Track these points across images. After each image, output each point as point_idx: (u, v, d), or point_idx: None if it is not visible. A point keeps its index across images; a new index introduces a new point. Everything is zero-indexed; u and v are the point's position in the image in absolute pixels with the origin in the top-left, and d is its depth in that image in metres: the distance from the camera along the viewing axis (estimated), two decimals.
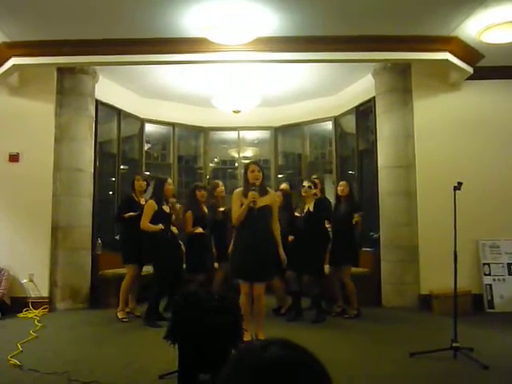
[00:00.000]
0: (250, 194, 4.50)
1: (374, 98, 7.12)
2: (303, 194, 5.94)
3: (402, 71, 6.72)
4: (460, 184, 4.24)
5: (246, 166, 4.83)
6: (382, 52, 6.08)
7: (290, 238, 5.89)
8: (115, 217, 6.39)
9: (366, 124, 7.75)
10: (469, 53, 6.10)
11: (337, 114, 8.42)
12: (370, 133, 7.58)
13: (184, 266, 6.13)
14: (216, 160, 9.65)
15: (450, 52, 5.95)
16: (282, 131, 9.30)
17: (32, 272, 6.51)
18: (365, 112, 7.70)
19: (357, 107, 7.83)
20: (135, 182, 6.18)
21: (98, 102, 7.22)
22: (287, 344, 0.80)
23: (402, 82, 6.72)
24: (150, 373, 3.71)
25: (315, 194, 5.93)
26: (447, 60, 5.99)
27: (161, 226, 5.51)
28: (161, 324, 5.30)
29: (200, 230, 5.95)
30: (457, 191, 4.32)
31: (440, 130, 6.61)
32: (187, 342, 3.29)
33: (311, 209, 5.80)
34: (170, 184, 5.87)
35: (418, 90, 6.69)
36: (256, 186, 4.60)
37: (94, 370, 3.79)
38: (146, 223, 5.49)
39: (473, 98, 6.68)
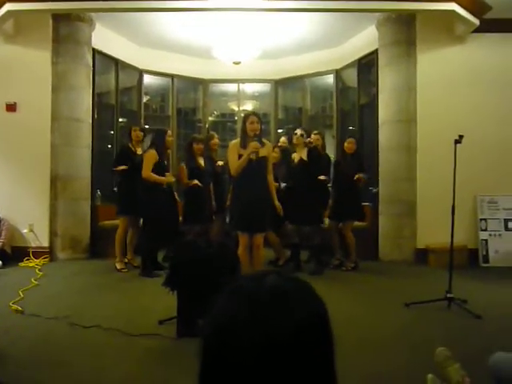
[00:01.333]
0: (253, 144, 4.46)
1: (376, 50, 6.97)
2: (294, 141, 5.88)
3: (407, 23, 6.54)
4: (461, 137, 4.21)
5: (245, 117, 4.75)
6: (387, 1, 5.93)
7: (282, 185, 5.91)
8: (112, 167, 6.33)
9: (367, 77, 7.62)
10: (476, 4, 5.95)
11: (338, 67, 8.27)
12: (371, 86, 7.46)
13: (180, 217, 6.16)
14: (215, 113, 9.54)
15: (457, 3, 5.80)
16: (282, 84, 9.16)
17: (32, 222, 6.56)
18: (367, 65, 7.56)
19: (359, 60, 7.68)
20: (132, 132, 6.12)
21: (95, 51, 7.07)
22: (284, 275, 0.81)
23: (405, 34, 6.56)
24: (149, 318, 3.79)
25: (309, 143, 5.82)
26: (453, 11, 5.84)
27: (167, 177, 5.53)
28: (158, 273, 5.37)
29: (196, 182, 5.93)
30: (457, 145, 4.29)
31: (443, 83, 6.50)
32: (185, 288, 3.35)
33: (304, 157, 5.76)
34: (170, 136, 5.83)
35: (422, 43, 6.54)
36: (255, 138, 4.56)
37: (95, 316, 3.87)
38: (148, 172, 5.45)
39: (478, 51, 6.54)
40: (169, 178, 5.65)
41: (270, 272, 0.80)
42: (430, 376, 2.29)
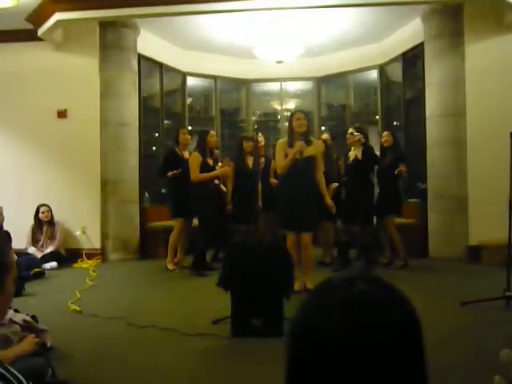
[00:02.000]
0: (298, 143, 4.45)
1: (422, 43, 6.81)
2: (348, 141, 5.87)
3: (453, 14, 6.37)
4: None
5: (292, 114, 4.75)
6: None
7: (334, 185, 5.86)
8: (158, 171, 6.41)
9: (413, 71, 7.47)
10: None
11: (382, 62, 8.14)
12: (417, 81, 7.30)
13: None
14: (258, 113, 9.57)
15: None
16: (325, 81, 9.09)
17: (84, 225, 6.77)
18: (412, 59, 7.40)
19: (404, 54, 7.53)
20: (180, 136, 6.17)
21: (140, 56, 7.22)
22: (372, 279, 0.79)
23: (452, 26, 6.39)
24: (203, 318, 3.84)
25: (359, 140, 5.77)
26: None
27: (215, 172, 5.58)
28: (207, 273, 5.44)
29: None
30: None
31: (493, 74, 6.29)
32: (240, 288, 3.37)
33: (359, 156, 5.70)
34: (213, 136, 5.89)
35: (470, 34, 6.35)
36: (302, 135, 4.54)
37: (150, 315, 3.96)
38: (196, 174, 5.53)
39: None
40: (219, 170, 5.68)
41: (357, 277, 0.78)
42: (497, 378, 2.23)
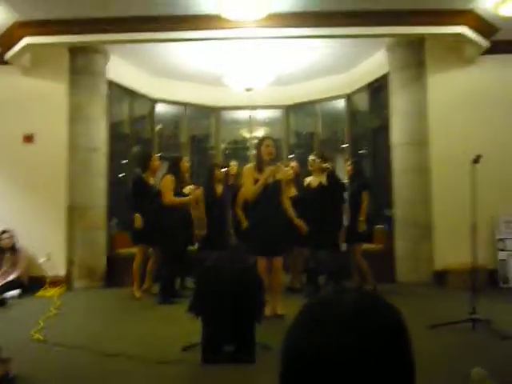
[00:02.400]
0: (271, 168, 4.52)
1: (387, 73, 7.04)
2: (310, 167, 5.98)
3: (417, 46, 6.62)
4: (479, 157, 4.23)
5: (261, 141, 4.82)
6: (396, 26, 6.04)
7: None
8: (126, 196, 6.32)
9: (379, 101, 7.68)
10: (484, 26, 6.03)
11: (349, 92, 8.36)
12: (382, 110, 7.51)
13: (198, 244, 6.18)
14: (227, 141, 9.62)
15: (466, 25, 5.88)
16: (294, 110, 9.26)
17: (49, 251, 6.58)
18: (378, 88, 7.63)
19: (370, 84, 7.76)
20: (153, 162, 6.09)
21: (109, 82, 7.19)
22: (356, 290, 0.81)
23: (416, 57, 6.63)
24: (173, 345, 3.76)
25: (322, 168, 5.87)
26: (462, 34, 5.92)
27: (189, 197, 5.55)
28: (176, 301, 5.37)
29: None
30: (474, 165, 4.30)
31: (455, 105, 6.54)
32: (211, 313, 3.33)
33: (324, 182, 5.78)
34: (186, 161, 5.89)
35: (433, 65, 6.61)
36: (271, 162, 4.61)
37: (118, 344, 3.86)
38: (171, 197, 5.49)
39: (488, 72, 6.59)
40: (192, 195, 5.63)
41: (345, 290, 0.80)
42: None
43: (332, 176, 5.84)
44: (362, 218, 5.88)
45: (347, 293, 0.79)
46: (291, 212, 4.86)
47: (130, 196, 6.10)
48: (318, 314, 0.76)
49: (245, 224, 5.73)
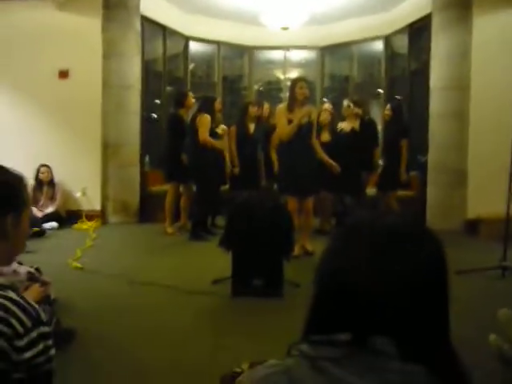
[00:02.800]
0: (307, 109, 4.50)
1: (429, 14, 6.71)
2: (343, 113, 5.89)
3: None
4: None
5: (294, 82, 4.76)
6: None
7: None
8: (167, 135, 6.35)
9: (419, 43, 7.39)
10: None
11: (388, 33, 8.04)
12: (422, 53, 7.23)
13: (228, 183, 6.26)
14: (260, 82, 9.47)
15: None
16: (329, 51, 8.99)
17: (85, 186, 6.76)
18: (419, 30, 7.31)
19: (410, 25, 7.43)
20: (189, 99, 6.02)
21: (143, 18, 7.10)
22: (403, 214, 0.80)
23: None
24: (203, 278, 3.88)
25: (356, 114, 5.79)
26: None
27: (221, 142, 5.61)
28: (208, 238, 5.48)
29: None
30: None
31: (501, 48, 6.21)
32: (241, 248, 3.41)
33: (356, 128, 5.71)
34: (220, 103, 5.88)
35: (479, 5, 6.24)
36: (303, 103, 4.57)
37: (151, 275, 4.02)
38: (206, 136, 5.52)
39: None
40: (224, 144, 5.74)
41: (387, 212, 0.80)
42: (492, 337, 2.29)
43: (365, 122, 5.75)
44: (402, 168, 5.82)
45: (385, 215, 0.78)
46: (321, 153, 4.86)
47: (166, 133, 6.13)
48: (351, 237, 0.77)
49: (276, 167, 5.79)
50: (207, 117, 5.56)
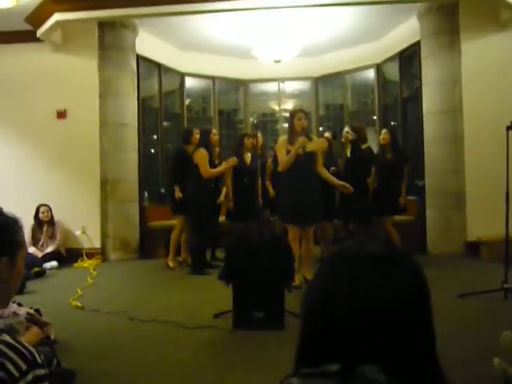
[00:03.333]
0: (300, 139, 4.52)
1: (418, 41, 6.86)
2: (343, 140, 5.99)
3: (449, 12, 6.41)
4: None
5: (293, 114, 4.81)
6: None
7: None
8: (171, 170, 6.47)
9: (409, 70, 7.53)
10: None
11: (379, 61, 8.20)
12: (413, 79, 7.37)
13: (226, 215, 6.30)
14: (255, 115, 9.60)
15: None
16: (322, 81, 9.15)
17: (84, 224, 6.78)
18: (409, 57, 7.47)
19: (400, 52, 7.59)
20: (194, 135, 6.07)
21: (138, 57, 7.25)
22: (385, 243, 0.82)
23: (448, 24, 6.43)
24: (204, 312, 3.87)
25: (351, 140, 5.88)
26: None
27: (224, 165, 5.69)
28: (208, 272, 5.48)
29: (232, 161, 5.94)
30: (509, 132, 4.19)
31: (489, 72, 6.34)
32: (241, 281, 3.40)
33: (348, 155, 5.82)
34: (215, 134, 5.96)
35: (466, 32, 6.40)
36: (303, 133, 4.62)
37: (151, 311, 3.99)
38: (208, 170, 5.60)
39: None
40: (227, 163, 5.76)
41: (369, 240, 0.82)
42: (496, 360, 2.27)
43: (355, 148, 5.82)
44: (403, 193, 5.90)
45: (368, 243, 0.80)
46: (330, 177, 4.87)
47: (171, 168, 6.29)
48: (336, 263, 0.79)
49: (272, 193, 6.13)
50: (201, 151, 5.63)
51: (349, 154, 5.85)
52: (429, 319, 0.76)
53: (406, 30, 7.34)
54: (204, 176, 5.59)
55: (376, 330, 0.71)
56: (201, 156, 5.63)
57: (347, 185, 4.86)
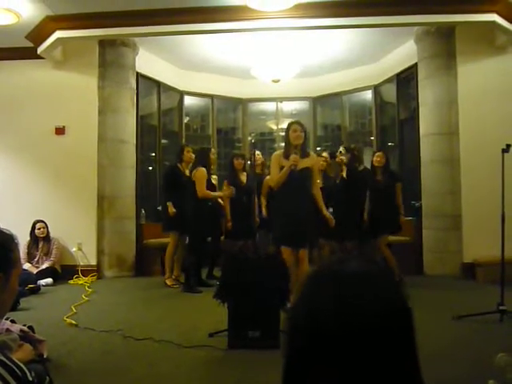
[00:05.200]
0: (292, 156, 4.34)
1: (415, 64, 6.96)
2: (337, 160, 6.00)
3: (446, 35, 6.52)
4: (509, 146, 4.15)
5: (288, 126, 4.60)
6: (426, 15, 5.93)
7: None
8: (163, 187, 6.52)
9: (407, 92, 7.61)
10: None
11: (377, 83, 8.29)
12: (411, 101, 7.44)
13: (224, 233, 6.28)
14: (253, 134, 9.65)
15: (497, 13, 5.75)
16: (320, 101, 9.23)
17: (80, 241, 6.76)
18: (406, 79, 7.55)
19: (398, 74, 7.68)
20: (185, 154, 6.16)
21: (138, 75, 7.32)
22: (369, 259, 0.83)
23: (445, 47, 6.53)
24: (200, 331, 3.84)
25: (341, 161, 5.91)
26: (494, 22, 5.78)
27: (220, 193, 5.67)
28: (201, 290, 5.48)
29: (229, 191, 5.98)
30: (504, 155, 4.22)
31: (485, 95, 6.41)
32: (237, 300, 3.39)
33: (345, 175, 5.82)
34: (214, 154, 6.02)
35: (463, 55, 6.49)
36: (298, 148, 4.43)
37: (146, 329, 3.95)
38: (204, 190, 5.63)
39: None
40: (224, 192, 5.79)
41: (351, 257, 0.82)
42: (491, 382, 2.26)
43: (352, 170, 5.84)
44: (401, 211, 5.93)
45: (353, 260, 0.81)
46: (321, 201, 4.68)
47: (163, 186, 6.31)
48: (318, 280, 0.79)
49: (265, 213, 6.10)
50: (202, 170, 5.66)
51: (345, 175, 5.86)
52: (411, 338, 0.76)
53: (403, 52, 7.44)
54: (198, 195, 5.62)
55: (358, 348, 0.71)
56: (200, 175, 5.67)
57: (331, 218, 4.79)
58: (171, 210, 5.96)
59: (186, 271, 5.82)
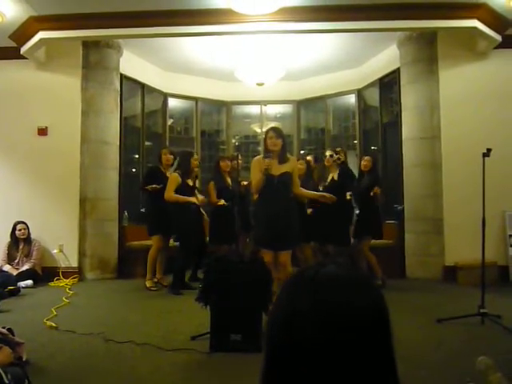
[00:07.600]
0: (265, 162, 4.34)
1: (398, 68, 7.04)
2: (326, 163, 5.98)
3: (428, 41, 6.61)
4: (489, 150, 4.21)
5: (265, 133, 4.64)
6: (408, 20, 5.99)
7: (309, 211, 5.93)
8: (140, 187, 6.55)
9: (389, 96, 7.69)
10: (497, 20, 5.98)
11: (360, 87, 8.35)
12: (393, 105, 7.52)
13: (207, 237, 6.25)
14: (237, 136, 9.66)
15: (478, 19, 5.84)
16: (304, 105, 9.27)
17: (62, 243, 6.68)
18: (389, 84, 7.63)
19: (381, 79, 7.75)
20: (162, 156, 6.23)
21: (122, 76, 7.28)
22: (346, 264, 0.83)
23: (427, 52, 6.62)
24: (182, 334, 3.82)
25: (338, 159, 5.89)
26: (475, 28, 5.87)
27: (192, 199, 5.65)
28: (184, 293, 5.47)
29: (222, 202, 6.02)
30: (485, 159, 4.28)
31: (466, 100, 6.51)
32: (219, 303, 3.38)
33: (335, 177, 5.82)
34: (196, 159, 6.00)
35: (444, 60, 6.58)
36: (271, 153, 4.42)
37: (128, 332, 3.92)
38: (170, 194, 5.61)
39: (501, 66, 6.55)
40: (193, 199, 5.73)
41: (329, 261, 0.82)
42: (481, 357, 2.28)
43: (344, 171, 5.86)
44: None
45: (329, 264, 0.81)
46: (309, 193, 4.87)
47: (143, 184, 6.27)
48: (296, 286, 0.79)
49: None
50: (175, 176, 5.70)
51: (336, 176, 5.85)
52: (388, 343, 0.76)
53: (386, 57, 7.52)
54: (164, 197, 5.64)
55: (334, 353, 0.71)
56: (171, 179, 5.73)
57: (327, 194, 4.83)
58: (151, 188, 5.97)
59: (175, 273, 5.77)
